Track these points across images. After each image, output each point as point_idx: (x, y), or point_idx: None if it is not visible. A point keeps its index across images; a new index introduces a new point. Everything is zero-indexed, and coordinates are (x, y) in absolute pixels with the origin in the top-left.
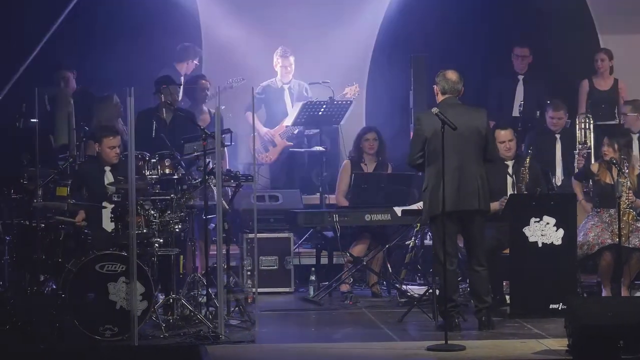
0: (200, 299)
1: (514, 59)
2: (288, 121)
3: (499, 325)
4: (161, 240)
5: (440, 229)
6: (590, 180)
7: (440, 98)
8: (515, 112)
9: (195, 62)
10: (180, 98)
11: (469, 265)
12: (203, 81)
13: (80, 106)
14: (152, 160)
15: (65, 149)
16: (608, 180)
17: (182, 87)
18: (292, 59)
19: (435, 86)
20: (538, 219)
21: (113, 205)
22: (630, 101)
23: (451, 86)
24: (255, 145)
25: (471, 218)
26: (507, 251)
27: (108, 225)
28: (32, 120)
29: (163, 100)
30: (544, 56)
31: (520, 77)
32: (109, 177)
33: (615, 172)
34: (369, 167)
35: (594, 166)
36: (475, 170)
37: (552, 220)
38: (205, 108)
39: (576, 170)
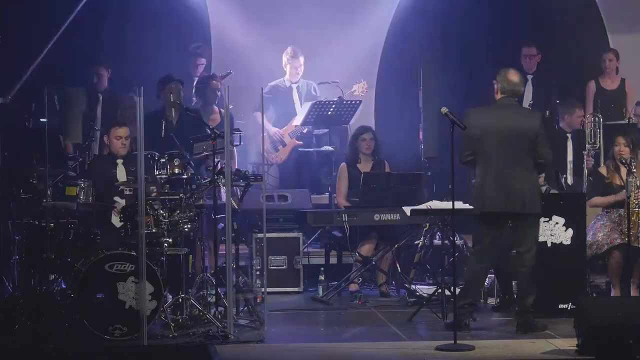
0: (209, 299)
1: (523, 58)
2: (297, 121)
3: (508, 325)
4: (170, 240)
5: (481, 226)
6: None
7: (498, 96)
8: None
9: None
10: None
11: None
12: (214, 81)
13: (105, 107)
14: (162, 160)
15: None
16: (618, 181)
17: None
18: (302, 59)
19: (495, 83)
20: (547, 219)
21: (124, 201)
22: None
23: (511, 87)
24: (264, 145)
25: (518, 220)
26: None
27: (117, 221)
28: (41, 120)
29: (172, 99)
30: (553, 56)
31: (530, 77)
32: (121, 169)
33: (624, 171)
34: (365, 167)
35: (603, 169)
36: (520, 172)
37: (561, 220)
38: (216, 108)
39: (585, 171)
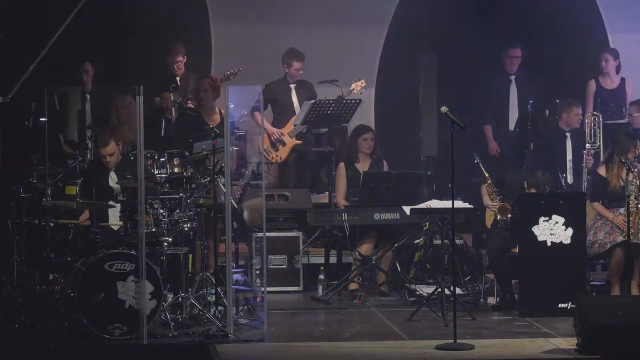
0: (209, 298)
1: (508, 59)
2: (296, 120)
3: (508, 324)
4: (170, 239)
5: None
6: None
7: None
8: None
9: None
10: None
11: None
12: (207, 80)
13: (95, 104)
14: (161, 159)
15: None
16: (619, 183)
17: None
18: (302, 62)
19: None
20: (547, 218)
21: (119, 206)
22: (636, 101)
23: None
24: (263, 145)
25: None
26: (515, 250)
27: (115, 223)
28: (41, 119)
29: (173, 99)
30: (553, 55)
31: (512, 78)
32: (113, 178)
33: (624, 171)
34: (363, 166)
35: (602, 170)
36: None
37: (561, 219)
38: (216, 108)
39: (585, 170)
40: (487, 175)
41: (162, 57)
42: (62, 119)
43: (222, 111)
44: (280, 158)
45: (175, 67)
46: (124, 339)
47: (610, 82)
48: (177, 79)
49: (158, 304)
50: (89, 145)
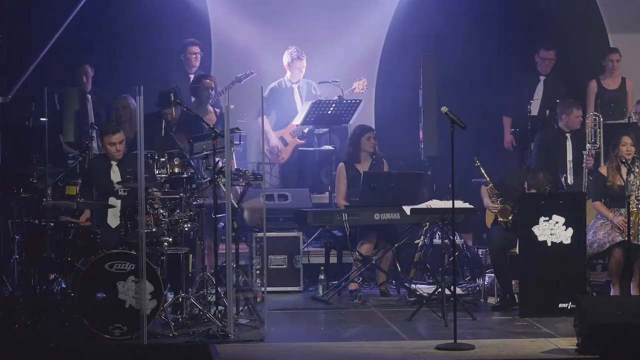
0: (209, 298)
1: (540, 61)
2: (297, 120)
3: (509, 325)
4: (170, 239)
5: None
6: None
7: None
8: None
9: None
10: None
11: None
12: (207, 80)
13: (94, 106)
14: (162, 160)
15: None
16: (619, 182)
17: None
18: (304, 60)
19: None
20: (547, 218)
21: (120, 202)
22: None
23: None
24: (264, 145)
25: None
26: (516, 250)
27: (113, 222)
28: (41, 119)
29: (173, 99)
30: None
31: (542, 78)
32: (115, 172)
33: (624, 171)
34: (364, 166)
35: (603, 169)
36: None
37: (562, 220)
38: (210, 108)
39: (585, 171)
40: (487, 178)
41: (162, 56)
42: (62, 119)
43: (217, 111)
44: (283, 158)
45: (193, 58)
46: (124, 339)
47: (612, 83)
48: (174, 85)
49: (158, 304)
50: (89, 145)
